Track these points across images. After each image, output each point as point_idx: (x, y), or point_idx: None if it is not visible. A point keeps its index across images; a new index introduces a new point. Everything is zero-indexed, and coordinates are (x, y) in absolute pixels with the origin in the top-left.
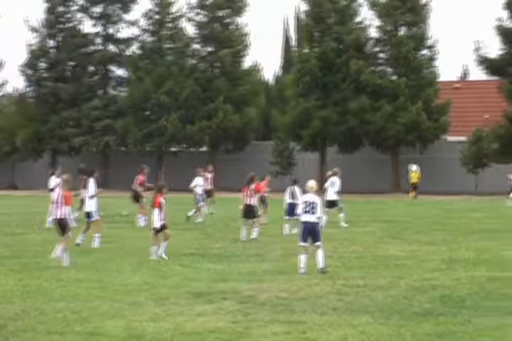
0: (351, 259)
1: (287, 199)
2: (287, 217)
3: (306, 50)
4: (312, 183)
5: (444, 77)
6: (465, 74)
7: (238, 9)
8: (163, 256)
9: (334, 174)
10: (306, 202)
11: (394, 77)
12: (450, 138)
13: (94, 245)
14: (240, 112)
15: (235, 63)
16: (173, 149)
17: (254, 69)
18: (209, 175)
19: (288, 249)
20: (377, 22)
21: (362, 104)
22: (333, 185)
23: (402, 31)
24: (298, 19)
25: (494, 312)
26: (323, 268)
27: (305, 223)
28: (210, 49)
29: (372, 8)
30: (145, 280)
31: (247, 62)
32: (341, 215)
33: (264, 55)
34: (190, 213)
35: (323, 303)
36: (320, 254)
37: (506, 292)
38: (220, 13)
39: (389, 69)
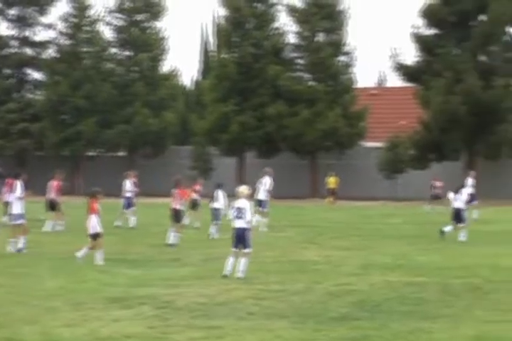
0: (269, 264)
1: (213, 203)
2: (214, 222)
3: (225, 55)
4: (243, 188)
5: (361, 84)
6: (382, 80)
7: (157, 13)
8: (101, 262)
9: (266, 174)
10: (236, 207)
11: (312, 83)
12: (367, 144)
13: (12, 249)
14: (159, 117)
15: (153, 67)
16: (90, 153)
17: (173, 74)
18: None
19: (207, 254)
20: (295, 28)
21: (280, 110)
22: (265, 185)
23: (320, 37)
24: (216, 24)
25: (409, 316)
26: (240, 278)
27: (235, 229)
28: (128, 53)
29: (291, 14)
30: (62, 286)
31: (165, 67)
32: (264, 220)
33: (183, 59)
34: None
35: (241, 308)
36: (243, 263)
37: (421, 296)
38: (139, 17)
39: (307, 75)
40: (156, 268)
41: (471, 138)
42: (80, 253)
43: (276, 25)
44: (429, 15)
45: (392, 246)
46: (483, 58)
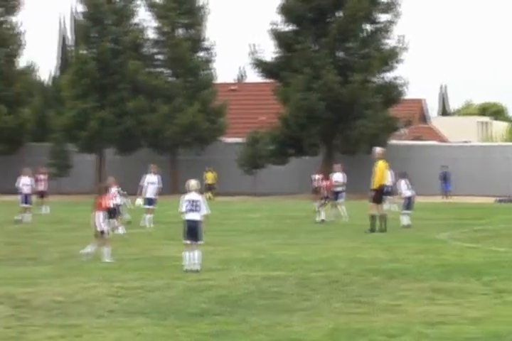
0: (128, 261)
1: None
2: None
3: (83, 51)
4: (194, 182)
5: (220, 79)
6: (241, 76)
7: (12, 8)
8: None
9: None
10: (189, 200)
11: (171, 79)
12: (227, 140)
13: None
14: (15, 113)
15: (8, 63)
16: None
17: (29, 69)
18: (42, 177)
19: (64, 252)
20: (154, 23)
21: (139, 105)
22: (154, 183)
23: (179, 33)
24: (74, 19)
25: (268, 310)
26: (199, 270)
27: (189, 221)
28: None
29: (150, 9)
30: None
31: (22, 62)
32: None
33: (41, 54)
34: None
35: (100, 306)
36: (197, 255)
37: (279, 290)
38: None
39: (166, 71)
40: (12, 266)
41: (330, 134)
42: (87, 250)
43: (135, 20)
44: (287, 11)
45: (252, 241)
46: (340, 54)
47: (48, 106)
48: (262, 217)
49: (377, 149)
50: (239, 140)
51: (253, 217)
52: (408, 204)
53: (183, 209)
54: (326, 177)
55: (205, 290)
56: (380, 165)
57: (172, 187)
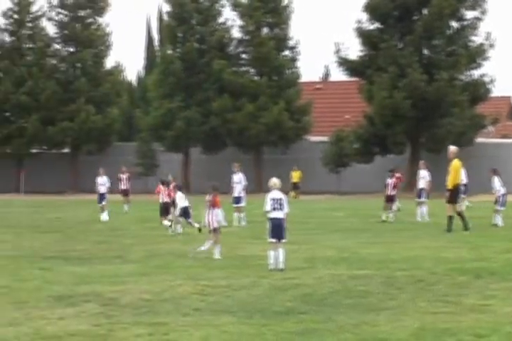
0: (214, 260)
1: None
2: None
3: (170, 51)
4: (276, 180)
5: (305, 78)
6: (327, 75)
7: (100, 9)
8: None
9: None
10: (273, 199)
11: (256, 78)
12: (312, 139)
13: None
14: (102, 113)
15: (96, 63)
16: (33, 151)
17: (117, 70)
18: (124, 176)
19: (150, 250)
20: (239, 22)
21: (224, 104)
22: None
23: (264, 32)
24: (161, 19)
25: (354, 309)
26: (283, 269)
27: (273, 219)
28: (71, 49)
29: (235, 9)
30: (3, 284)
31: (109, 62)
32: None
33: (128, 55)
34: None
35: (186, 304)
36: (282, 253)
37: (365, 289)
38: (82, 13)
39: (251, 70)
40: (100, 265)
41: (415, 132)
42: (203, 248)
43: (220, 20)
44: (372, 9)
45: (337, 240)
46: (426, 52)
47: (135, 106)
48: (347, 216)
49: (452, 148)
50: (324, 138)
51: (337, 215)
52: (502, 201)
53: (268, 208)
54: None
55: (290, 289)
56: (455, 164)
57: (257, 185)
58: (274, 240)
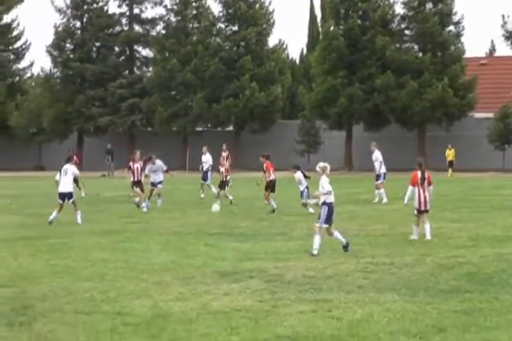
0: (377, 237)
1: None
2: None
3: (332, 28)
4: (327, 164)
5: (470, 53)
6: (493, 49)
7: None
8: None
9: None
10: (330, 183)
11: (419, 54)
12: (477, 115)
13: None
14: (266, 90)
15: (259, 42)
16: (198, 129)
17: (280, 48)
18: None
19: (311, 228)
20: None
21: (387, 81)
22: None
23: (428, 7)
24: None
25: None
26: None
27: (331, 204)
28: (235, 28)
29: None
30: (171, 260)
31: (272, 41)
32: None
33: (290, 33)
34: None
35: (349, 281)
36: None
37: None
38: None
39: (415, 46)
40: (263, 241)
41: None
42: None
43: None
44: None
45: (503, 218)
46: None
47: (298, 84)
48: None
49: None
50: (489, 115)
51: (504, 193)
52: None
53: (330, 188)
54: None
55: (454, 267)
56: None
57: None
58: (326, 225)
